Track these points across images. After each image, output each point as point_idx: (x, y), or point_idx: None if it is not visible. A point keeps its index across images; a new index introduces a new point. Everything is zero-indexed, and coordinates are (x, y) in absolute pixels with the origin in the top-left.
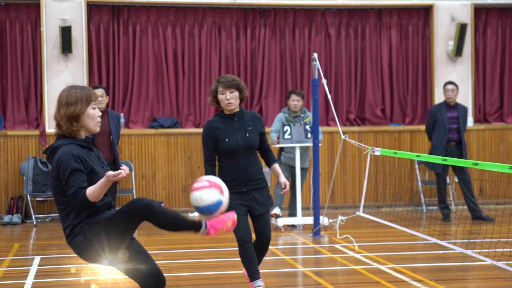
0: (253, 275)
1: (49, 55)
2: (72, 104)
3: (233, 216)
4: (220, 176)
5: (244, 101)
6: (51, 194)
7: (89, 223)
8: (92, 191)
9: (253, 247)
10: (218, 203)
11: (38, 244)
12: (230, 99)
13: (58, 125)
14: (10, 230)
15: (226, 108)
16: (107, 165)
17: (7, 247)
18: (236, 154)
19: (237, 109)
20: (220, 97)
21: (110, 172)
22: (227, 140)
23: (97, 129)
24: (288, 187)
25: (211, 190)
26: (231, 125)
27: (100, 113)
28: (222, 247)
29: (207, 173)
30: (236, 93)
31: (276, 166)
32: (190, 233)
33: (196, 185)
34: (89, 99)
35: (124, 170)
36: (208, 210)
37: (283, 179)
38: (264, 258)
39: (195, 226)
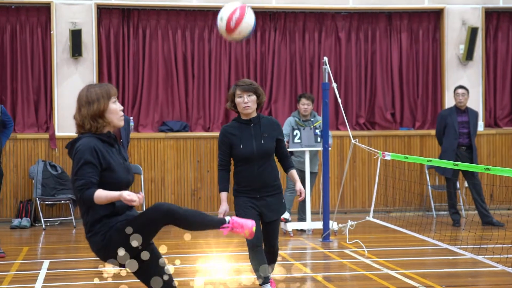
0: (262, 279)
1: (59, 58)
2: (94, 102)
3: (252, 226)
4: (235, 180)
5: (261, 107)
6: (60, 197)
7: (109, 224)
8: (100, 196)
9: (263, 252)
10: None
11: (47, 248)
12: (248, 103)
13: (80, 126)
14: (19, 234)
15: (243, 112)
16: None
17: (16, 251)
18: (251, 160)
19: (254, 114)
20: (238, 100)
21: (125, 193)
22: (241, 146)
23: (122, 123)
24: (303, 195)
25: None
26: (246, 131)
27: (122, 107)
28: (232, 251)
29: (219, 177)
30: (254, 97)
31: (294, 172)
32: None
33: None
34: (109, 94)
35: (139, 199)
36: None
37: (299, 186)
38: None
39: (219, 223)
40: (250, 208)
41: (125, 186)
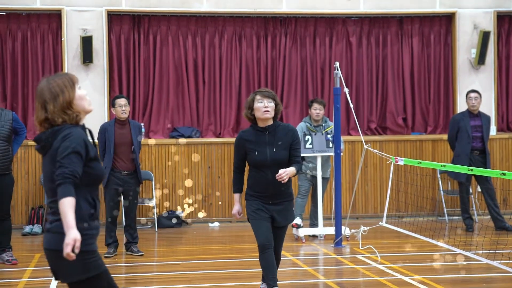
0: (271, 282)
1: (70, 65)
2: (59, 95)
3: None
4: (248, 184)
5: (278, 117)
6: None
7: (88, 233)
8: (67, 205)
9: (273, 255)
10: None
11: None
12: (268, 107)
13: (50, 121)
14: (31, 240)
15: (263, 117)
16: (127, 175)
17: (28, 258)
18: (264, 167)
19: (270, 122)
20: (258, 105)
21: (73, 237)
22: (256, 153)
23: (91, 108)
24: (281, 172)
25: None
26: (262, 138)
27: (86, 92)
28: (243, 257)
29: (234, 179)
30: (273, 104)
31: (291, 167)
32: None
33: None
34: (72, 82)
35: (70, 255)
36: None
37: (283, 169)
38: (286, 269)
39: None
40: (261, 211)
41: (102, 180)
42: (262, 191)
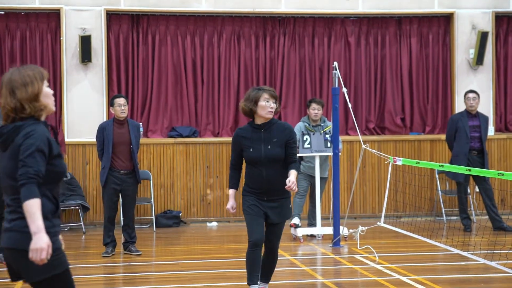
0: (252, 278)
1: (69, 64)
2: (29, 84)
3: None
4: (245, 180)
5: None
6: (69, 203)
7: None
8: (33, 206)
9: (261, 255)
10: None
11: None
12: (273, 109)
13: (17, 110)
14: None
15: (266, 116)
16: (126, 174)
17: None
18: (259, 164)
19: (267, 120)
20: (264, 103)
21: (47, 242)
22: (251, 150)
23: (54, 108)
24: (291, 185)
25: None
26: (257, 135)
27: (52, 91)
28: (241, 257)
29: (230, 175)
30: (275, 105)
31: (291, 171)
32: None
33: None
34: (42, 76)
35: (44, 261)
36: None
37: (290, 178)
38: (284, 268)
39: None
40: (255, 206)
41: (63, 177)
42: (257, 188)
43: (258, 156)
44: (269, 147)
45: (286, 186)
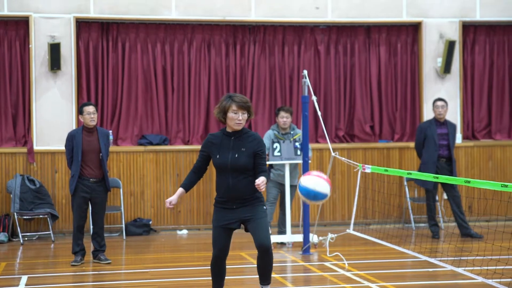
0: (216, 287)
1: (38, 72)
2: None
3: None
4: (216, 189)
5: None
6: (38, 212)
7: None
8: None
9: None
10: (325, 196)
11: (25, 263)
12: (241, 120)
13: None
14: None
15: (234, 127)
16: (95, 182)
17: None
18: (225, 172)
19: (239, 129)
20: (232, 115)
21: None
22: (218, 156)
23: None
24: (259, 182)
25: (326, 184)
26: (226, 143)
27: None
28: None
29: (187, 176)
30: (246, 116)
31: (261, 177)
32: None
33: (316, 173)
34: None
35: None
36: (315, 196)
37: (260, 179)
38: (253, 276)
39: None
40: (223, 220)
41: None
42: (224, 196)
43: (224, 163)
44: (236, 155)
45: (255, 184)
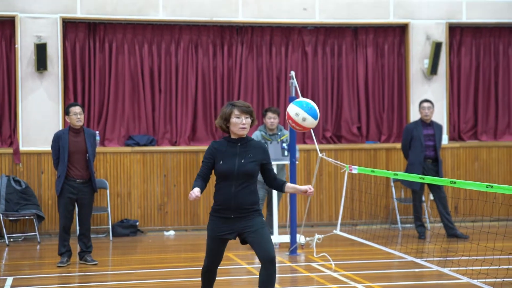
0: None
1: (24, 73)
2: None
3: None
4: (214, 198)
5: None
6: (24, 213)
7: None
8: None
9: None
10: (315, 113)
11: (11, 264)
12: (245, 125)
13: None
14: None
15: (238, 133)
16: (82, 183)
17: None
18: (229, 179)
19: (244, 136)
20: (236, 120)
21: None
22: (221, 162)
23: None
24: (311, 189)
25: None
26: (232, 149)
27: None
28: (198, 266)
29: (195, 181)
30: (249, 120)
31: (289, 185)
32: None
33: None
34: None
35: None
36: (310, 109)
37: (303, 187)
38: (240, 277)
39: None
40: (215, 238)
41: None
42: (225, 204)
43: (230, 169)
44: (243, 161)
45: (307, 192)
